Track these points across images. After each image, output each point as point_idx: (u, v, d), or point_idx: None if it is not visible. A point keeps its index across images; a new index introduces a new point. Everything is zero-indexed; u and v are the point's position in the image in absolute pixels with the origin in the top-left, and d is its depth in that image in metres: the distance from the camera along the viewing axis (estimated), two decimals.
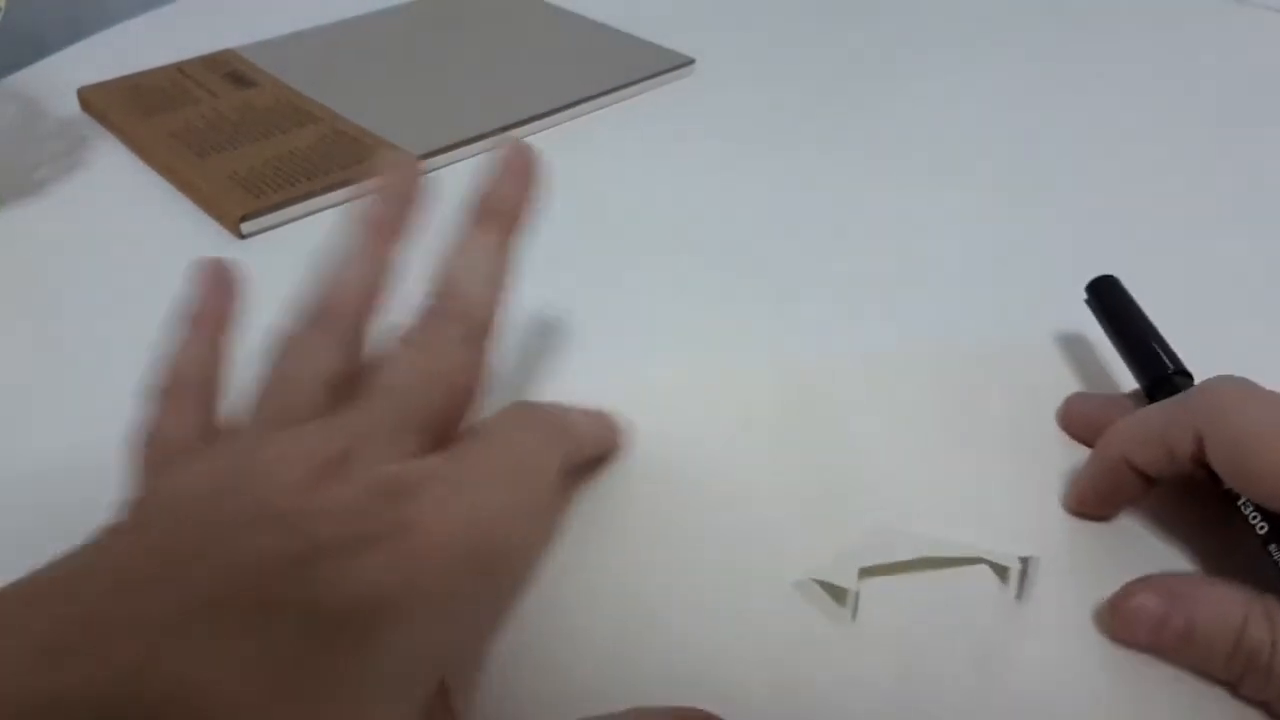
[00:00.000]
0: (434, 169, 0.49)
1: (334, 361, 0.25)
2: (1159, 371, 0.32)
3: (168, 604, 0.18)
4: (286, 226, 0.45)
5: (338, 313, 0.26)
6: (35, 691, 0.17)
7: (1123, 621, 0.26)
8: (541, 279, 0.40)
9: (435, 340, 0.26)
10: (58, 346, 0.38)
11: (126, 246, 0.44)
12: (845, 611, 0.27)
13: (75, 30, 0.63)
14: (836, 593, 0.28)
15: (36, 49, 0.61)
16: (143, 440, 0.26)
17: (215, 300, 0.29)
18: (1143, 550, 0.29)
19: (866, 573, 0.28)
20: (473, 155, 0.50)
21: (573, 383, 0.36)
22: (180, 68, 0.57)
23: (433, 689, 0.22)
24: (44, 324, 0.40)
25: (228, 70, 0.57)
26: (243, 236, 0.44)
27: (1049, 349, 0.38)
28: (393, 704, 0.20)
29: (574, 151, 0.52)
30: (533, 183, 0.29)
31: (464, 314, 0.26)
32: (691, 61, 0.59)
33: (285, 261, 0.43)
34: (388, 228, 0.28)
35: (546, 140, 0.53)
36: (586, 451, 0.31)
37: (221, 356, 0.28)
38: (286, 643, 0.19)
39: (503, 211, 0.28)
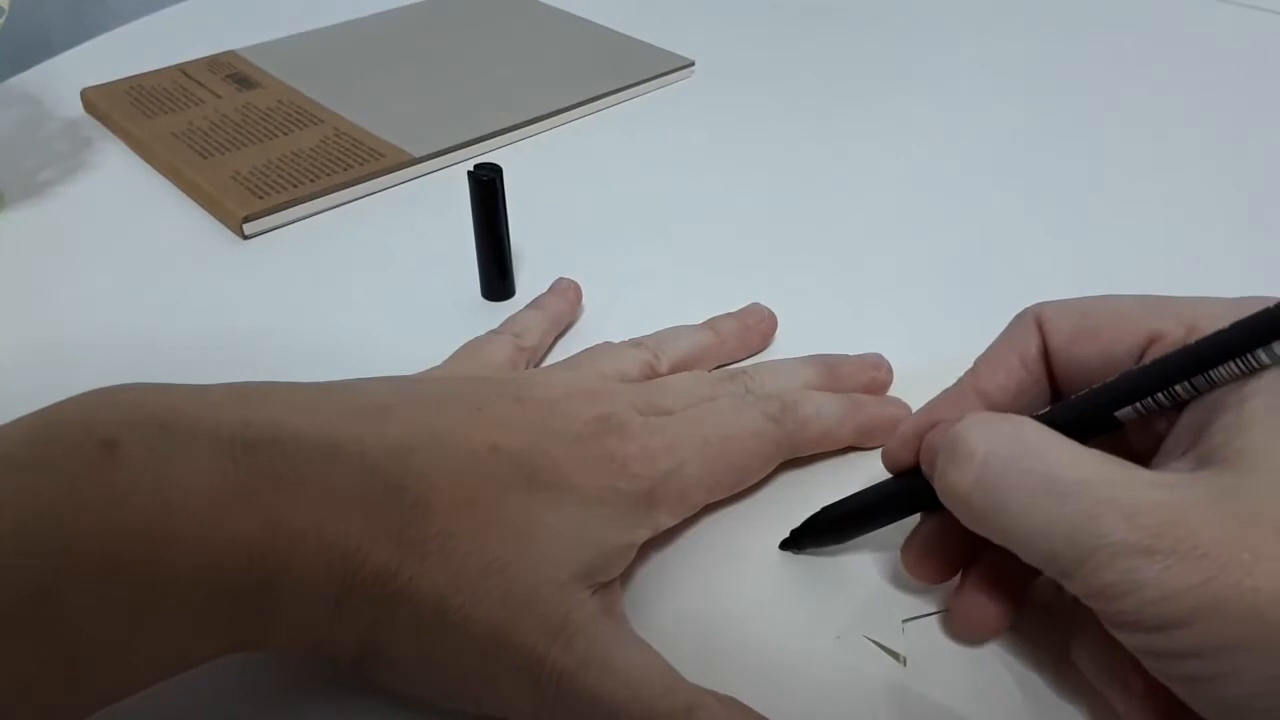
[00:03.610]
0: (435, 170, 0.50)
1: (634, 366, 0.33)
2: None
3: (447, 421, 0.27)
4: (289, 227, 0.45)
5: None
6: (356, 437, 0.25)
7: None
8: (542, 279, 0.40)
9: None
10: (61, 347, 0.38)
11: (130, 247, 0.44)
12: (897, 661, 0.27)
13: (78, 32, 0.64)
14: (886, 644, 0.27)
15: (40, 51, 0.61)
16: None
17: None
18: None
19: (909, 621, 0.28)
20: (473, 156, 0.50)
21: None
22: (183, 69, 0.58)
23: (585, 572, 0.26)
24: (46, 325, 0.40)
25: (230, 72, 0.57)
26: (245, 237, 0.44)
27: None
28: (560, 564, 0.25)
29: (574, 153, 0.52)
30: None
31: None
32: (691, 63, 0.60)
33: (288, 262, 0.44)
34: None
35: (547, 142, 0.53)
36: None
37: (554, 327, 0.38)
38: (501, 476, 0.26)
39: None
